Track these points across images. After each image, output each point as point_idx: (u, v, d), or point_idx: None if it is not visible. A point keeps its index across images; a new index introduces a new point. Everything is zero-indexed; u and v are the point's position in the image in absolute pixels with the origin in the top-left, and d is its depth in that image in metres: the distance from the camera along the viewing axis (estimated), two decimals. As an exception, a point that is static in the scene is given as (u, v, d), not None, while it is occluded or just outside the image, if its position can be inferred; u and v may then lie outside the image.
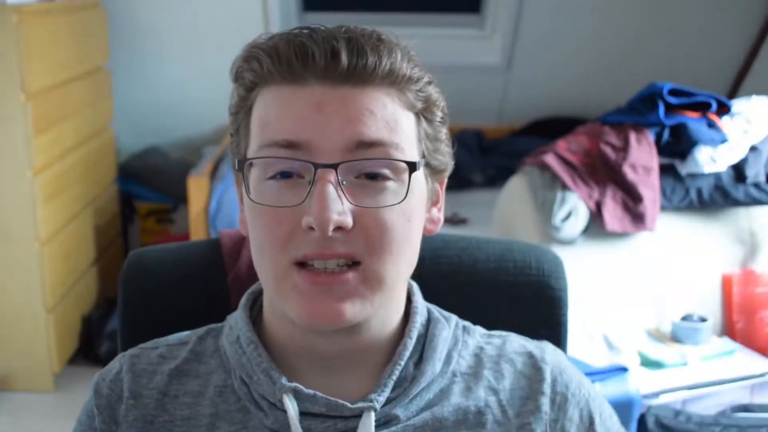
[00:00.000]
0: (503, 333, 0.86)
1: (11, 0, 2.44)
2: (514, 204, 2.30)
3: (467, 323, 0.86)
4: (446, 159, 0.80)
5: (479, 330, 0.86)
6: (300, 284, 0.71)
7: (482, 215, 3.02)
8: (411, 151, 0.73)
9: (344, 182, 0.70)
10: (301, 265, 0.71)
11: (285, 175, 0.71)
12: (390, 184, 0.72)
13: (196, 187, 2.94)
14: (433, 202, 0.82)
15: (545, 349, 0.84)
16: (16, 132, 2.46)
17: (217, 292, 0.97)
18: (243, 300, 0.84)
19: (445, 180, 0.83)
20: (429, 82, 0.76)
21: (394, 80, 0.72)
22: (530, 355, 0.82)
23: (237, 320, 0.81)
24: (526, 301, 0.97)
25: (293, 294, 0.71)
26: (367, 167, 0.71)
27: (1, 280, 2.60)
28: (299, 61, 0.71)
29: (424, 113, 0.76)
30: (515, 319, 0.94)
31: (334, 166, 0.69)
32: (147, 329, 0.92)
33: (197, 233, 2.96)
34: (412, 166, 0.72)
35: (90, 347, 2.89)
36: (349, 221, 0.69)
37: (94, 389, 0.81)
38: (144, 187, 3.49)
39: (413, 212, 0.74)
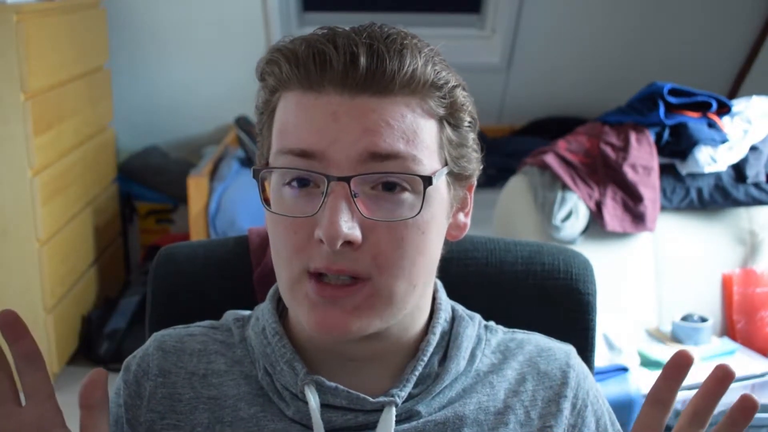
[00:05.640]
0: (527, 332, 0.86)
1: (11, 0, 2.44)
2: (514, 204, 2.29)
3: (490, 323, 0.87)
4: (473, 165, 0.78)
5: (501, 329, 0.86)
6: (310, 293, 0.70)
7: (482, 215, 3.01)
8: (430, 161, 0.71)
9: (358, 194, 0.69)
10: (313, 274, 0.71)
11: (302, 182, 0.71)
12: (407, 196, 0.70)
13: (196, 187, 2.94)
14: (460, 208, 0.80)
15: (570, 353, 0.84)
16: (15, 132, 2.46)
17: (244, 289, 0.97)
18: (271, 291, 0.84)
19: (474, 185, 0.81)
20: (455, 86, 0.74)
21: (415, 88, 0.70)
22: (555, 358, 0.83)
23: (264, 311, 0.82)
24: (554, 305, 0.96)
25: (305, 302, 0.71)
26: (383, 178, 0.69)
27: (0, 280, 2.59)
28: (317, 67, 0.69)
29: (448, 119, 0.74)
30: (542, 323, 0.93)
31: (347, 179, 0.68)
32: (175, 324, 0.93)
33: (197, 233, 2.96)
34: (427, 180, 0.70)
35: (90, 347, 2.89)
36: (357, 237, 0.68)
37: (124, 366, 0.82)
38: (144, 187, 3.49)
39: (429, 224, 0.72)
